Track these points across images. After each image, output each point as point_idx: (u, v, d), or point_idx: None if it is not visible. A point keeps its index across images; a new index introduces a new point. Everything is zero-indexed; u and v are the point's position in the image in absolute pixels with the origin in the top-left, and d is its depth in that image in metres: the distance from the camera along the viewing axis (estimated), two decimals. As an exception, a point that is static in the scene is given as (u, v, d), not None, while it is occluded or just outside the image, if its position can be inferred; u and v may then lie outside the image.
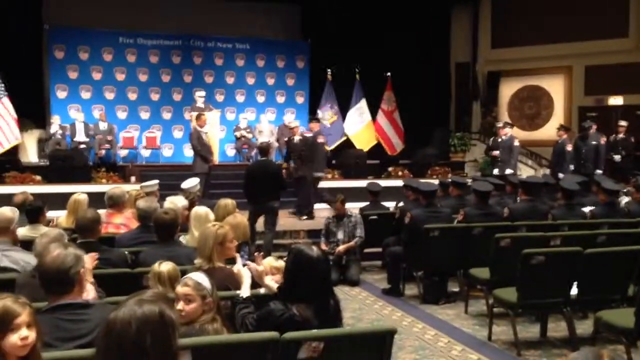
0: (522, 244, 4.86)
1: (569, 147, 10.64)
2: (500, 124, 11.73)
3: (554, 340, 4.90)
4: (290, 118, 11.51)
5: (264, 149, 7.98)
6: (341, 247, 7.01)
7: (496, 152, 10.87)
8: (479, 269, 5.50)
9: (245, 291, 3.02)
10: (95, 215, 4.13)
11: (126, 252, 4.25)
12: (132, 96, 13.26)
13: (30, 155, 12.37)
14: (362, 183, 9.16)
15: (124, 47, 13.13)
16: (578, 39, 13.59)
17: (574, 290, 4.66)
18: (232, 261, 3.59)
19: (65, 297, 2.50)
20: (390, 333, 2.81)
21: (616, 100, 13.82)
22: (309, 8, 14.16)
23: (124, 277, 3.78)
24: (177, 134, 13.49)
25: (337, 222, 7.18)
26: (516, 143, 10.45)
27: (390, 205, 8.28)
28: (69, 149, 11.41)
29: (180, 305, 2.66)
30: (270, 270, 3.35)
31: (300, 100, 14.44)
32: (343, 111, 12.68)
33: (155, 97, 13.44)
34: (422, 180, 8.20)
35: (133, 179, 10.72)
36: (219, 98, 13.76)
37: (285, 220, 9.27)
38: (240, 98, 14.03)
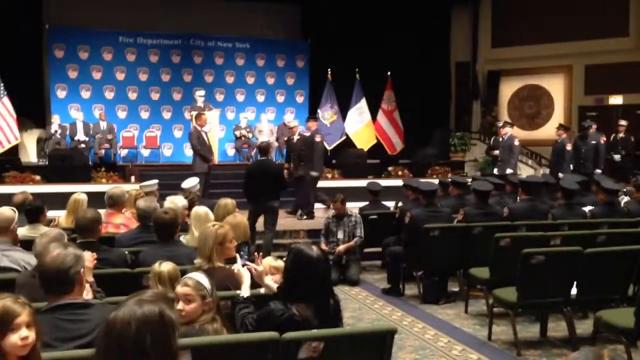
0: (522, 244, 4.85)
1: (569, 147, 10.64)
2: (500, 124, 11.73)
3: (554, 340, 4.90)
4: (290, 117, 11.52)
5: (264, 149, 7.98)
6: (341, 247, 7.01)
7: (497, 152, 10.87)
8: (478, 268, 5.50)
9: (245, 291, 3.02)
10: (95, 215, 4.13)
11: (126, 252, 4.24)
12: (132, 95, 13.26)
13: (30, 154, 12.37)
14: (362, 182, 9.15)
15: (123, 47, 13.13)
16: (578, 39, 13.59)
17: (574, 290, 4.66)
18: (232, 261, 3.59)
19: (65, 297, 2.50)
20: (391, 333, 2.81)
21: (616, 100, 13.83)
22: (309, 8, 14.16)
23: (124, 277, 3.78)
24: (177, 133, 13.50)
25: (337, 221, 7.18)
26: (516, 143, 10.45)
27: (390, 204, 8.28)
28: (69, 149, 11.41)
29: (180, 305, 2.65)
30: (270, 270, 3.35)
31: (300, 99, 14.44)
32: (343, 111, 12.67)
33: (155, 96, 13.44)
34: (422, 180, 8.20)
35: (133, 178, 10.72)
36: (219, 97, 13.76)
37: (285, 220, 9.27)
38: (240, 97, 14.03)
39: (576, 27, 13.58)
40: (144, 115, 13.36)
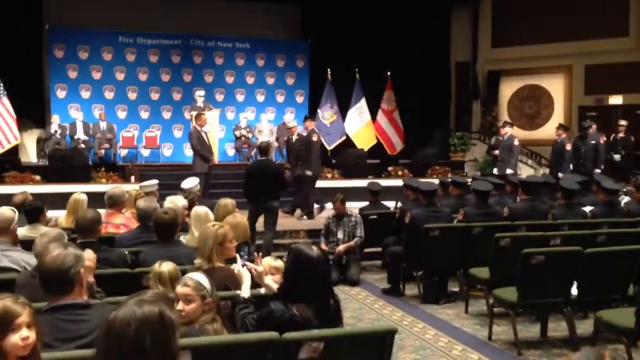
0: (522, 244, 4.85)
1: (568, 147, 10.63)
2: (501, 124, 11.74)
3: (554, 340, 4.90)
4: (290, 117, 11.53)
5: (264, 149, 7.98)
6: (341, 247, 7.01)
7: (497, 152, 10.88)
8: (479, 268, 5.50)
9: (245, 291, 3.02)
10: (95, 215, 4.13)
11: (126, 252, 4.24)
12: (132, 95, 13.26)
13: (30, 155, 12.37)
14: (362, 183, 9.16)
15: (123, 47, 13.14)
16: (578, 39, 13.59)
17: (574, 290, 4.66)
18: (233, 261, 3.58)
19: (65, 297, 2.49)
20: (391, 333, 2.81)
21: (616, 100, 13.83)
22: (309, 8, 14.16)
23: (124, 277, 3.78)
24: (177, 133, 13.50)
25: (337, 221, 7.18)
26: (516, 142, 10.45)
27: (390, 204, 8.28)
28: (69, 149, 11.41)
29: (180, 306, 2.65)
30: (270, 270, 3.34)
31: (300, 99, 14.44)
32: (343, 111, 12.67)
33: (155, 96, 13.44)
34: (422, 180, 8.19)
35: (133, 178, 10.71)
36: (219, 97, 13.76)
37: (285, 220, 9.27)
38: (240, 97, 14.03)
39: (576, 27, 13.58)
40: (144, 115, 13.36)
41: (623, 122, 11.78)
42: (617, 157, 11.54)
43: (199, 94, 12.02)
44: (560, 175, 9.63)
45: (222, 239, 3.53)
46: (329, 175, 11.62)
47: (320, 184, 10.45)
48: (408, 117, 13.20)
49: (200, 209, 4.78)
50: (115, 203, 5.46)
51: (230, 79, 13.96)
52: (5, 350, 1.98)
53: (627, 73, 13.26)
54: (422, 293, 6.15)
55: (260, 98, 14.18)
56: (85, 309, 2.50)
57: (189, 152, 10.98)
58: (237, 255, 3.77)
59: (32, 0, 12.43)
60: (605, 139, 11.32)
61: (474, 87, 15.35)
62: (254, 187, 7.45)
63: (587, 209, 6.53)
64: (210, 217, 4.65)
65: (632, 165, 11.27)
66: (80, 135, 11.76)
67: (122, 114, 13.16)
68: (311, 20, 14.20)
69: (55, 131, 11.58)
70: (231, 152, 13.43)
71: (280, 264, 3.39)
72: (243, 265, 3.21)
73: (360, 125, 12.83)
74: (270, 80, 14.25)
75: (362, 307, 6.00)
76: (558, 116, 14.44)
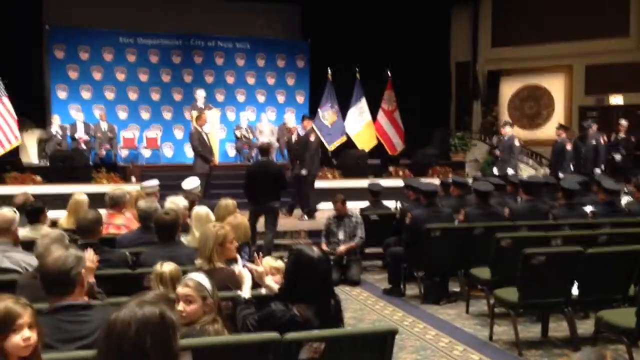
0: (523, 244, 4.85)
1: (569, 147, 10.63)
2: (501, 124, 11.74)
3: (555, 340, 4.90)
4: (290, 117, 11.52)
5: (265, 149, 7.98)
6: (342, 247, 7.01)
7: (498, 152, 10.88)
8: (479, 269, 5.50)
9: (246, 292, 3.02)
10: (96, 215, 4.14)
11: (127, 253, 4.24)
12: (133, 96, 13.26)
13: (31, 155, 12.37)
14: (362, 183, 9.15)
15: (124, 47, 13.14)
16: (578, 38, 13.58)
17: (575, 290, 4.66)
18: (233, 261, 3.58)
19: (66, 298, 2.50)
20: (392, 333, 2.81)
21: (616, 100, 13.82)
22: (309, 8, 14.16)
23: (125, 278, 3.78)
24: (178, 133, 13.50)
25: (337, 222, 7.18)
26: (516, 143, 10.45)
27: (391, 205, 8.27)
28: (70, 149, 11.41)
29: (180, 306, 2.65)
30: (270, 270, 3.35)
31: (300, 99, 14.45)
32: (343, 110, 12.67)
33: (155, 96, 13.44)
34: (423, 180, 8.20)
35: (133, 179, 10.71)
36: (219, 98, 13.76)
37: (286, 220, 9.27)
38: (240, 98, 14.03)
39: (576, 27, 13.58)
40: (145, 115, 13.36)
41: (623, 122, 11.77)
42: (617, 157, 11.53)
43: (200, 94, 12.02)
44: (560, 175, 9.63)
45: (223, 239, 3.53)
46: (330, 176, 11.62)
47: (321, 184, 10.44)
48: (408, 117, 13.19)
49: (201, 210, 4.78)
50: (116, 204, 5.46)
51: (230, 79, 13.97)
52: (7, 351, 1.99)
53: (627, 73, 13.25)
54: (423, 293, 6.15)
55: (261, 98, 14.19)
56: (86, 309, 2.50)
57: (189, 152, 10.98)
58: (238, 256, 3.77)
59: (32, 1, 12.43)
60: (605, 139, 11.32)
61: (474, 87, 15.34)
62: (255, 188, 7.46)
63: (588, 209, 6.53)
64: (211, 218, 4.66)
65: (633, 165, 11.27)
66: (81, 134, 11.75)
67: (122, 115, 13.17)
68: (311, 20, 14.21)
69: (56, 132, 11.58)
70: (232, 152, 13.43)
71: (280, 264, 3.39)
72: (244, 266, 3.22)
73: (360, 126, 12.82)
74: (270, 81, 14.25)
75: (362, 307, 6.00)
76: (558, 116, 14.43)
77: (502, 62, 14.96)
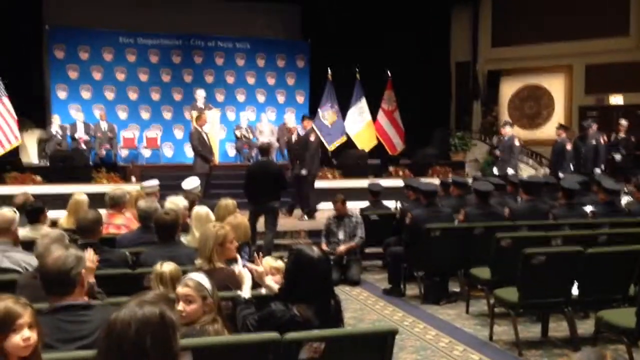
0: (523, 244, 4.85)
1: (569, 147, 10.63)
2: (501, 123, 11.74)
3: (555, 340, 4.90)
4: (290, 117, 11.52)
5: (265, 149, 7.98)
6: (342, 247, 7.01)
7: (498, 152, 10.88)
8: (479, 268, 5.50)
9: (246, 292, 3.02)
10: (96, 215, 4.14)
11: (127, 253, 4.24)
12: (133, 96, 13.27)
13: (31, 155, 12.37)
14: (363, 183, 9.15)
15: (124, 47, 13.15)
16: (578, 38, 13.58)
17: (575, 290, 4.66)
18: (233, 262, 3.58)
19: (66, 298, 2.50)
20: (392, 333, 2.81)
21: (617, 100, 13.82)
22: (309, 8, 14.16)
23: (125, 278, 3.78)
24: (178, 133, 13.50)
25: (337, 222, 7.18)
26: (516, 143, 10.45)
27: (391, 205, 8.27)
28: (70, 149, 11.41)
29: (180, 306, 2.65)
30: (270, 270, 3.35)
31: (300, 99, 14.45)
32: (343, 110, 12.67)
33: (155, 96, 13.45)
34: (423, 180, 8.20)
35: (134, 179, 10.71)
36: (219, 98, 13.76)
37: (286, 220, 9.27)
38: (240, 97, 14.03)
39: (576, 26, 13.58)
40: (145, 115, 13.36)
41: (624, 122, 11.77)
42: (617, 157, 11.53)
43: (200, 94, 12.02)
44: (560, 175, 9.63)
45: (223, 239, 3.53)
46: (330, 176, 11.62)
47: (321, 184, 10.44)
48: (408, 117, 13.19)
49: (201, 210, 4.78)
50: (116, 204, 5.47)
51: (230, 79, 13.97)
52: (7, 351, 1.99)
53: (627, 73, 13.25)
54: (423, 293, 6.15)
55: (261, 98, 14.19)
56: (86, 309, 2.50)
57: (189, 152, 10.98)
58: (238, 256, 3.77)
59: (32, 1, 12.43)
60: (605, 139, 11.32)
61: (474, 87, 15.34)
62: (255, 188, 7.46)
63: (588, 209, 6.53)
64: (211, 218, 4.65)
65: (633, 165, 11.27)
66: (81, 134, 11.75)
67: (122, 115, 13.17)
68: (311, 20, 14.21)
69: (56, 132, 11.58)
70: (232, 152, 13.43)
71: (280, 264, 3.39)
72: (244, 266, 3.22)
73: (360, 126, 12.82)
74: (270, 81, 14.26)
75: (363, 307, 6.00)
76: (558, 116, 14.43)
77: (502, 62, 14.96)
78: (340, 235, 7.11)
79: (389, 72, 12.96)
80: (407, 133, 13.26)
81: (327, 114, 12.53)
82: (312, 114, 12.45)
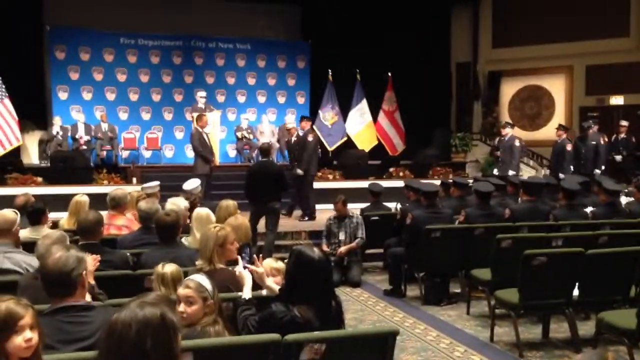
0: (523, 245, 4.84)
1: (569, 147, 10.63)
2: (502, 124, 11.74)
3: (556, 341, 4.89)
4: (291, 118, 11.52)
5: (265, 150, 7.98)
6: (342, 248, 7.01)
7: (499, 152, 10.88)
8: (480, 269, 5.49)
9: (246, 293, 3.02)
10: (97, 216, 4.13)
11: (128, 254, 4.25)
12: (133, 97, 13.27)
13: (32, 156, 12.39)
14: (363, 184, 9.15)
15: (124, 48, 13.16)
16: (579, 39, 13.59)
17: (576, 291, 4.66)
18: (234, 263, 3.58)
19: (67, 299, 2.50)
20: (392, 334, 2.81)
21: (617, 100, 13.82)
22: (309, 8, 14.17)
23: (126, 279, 3.78)
24: (179, 134, 13.50)
25: (338, 223, 7.18)
26: (517, 143, 10.45)
27: (391, 205, 8.27)
28: (70, 150, 11.42)
29: (181, 307, 2.65)
30: (271, 271, 3.35)
31: (301, 100, 14.45)
32: (344, 111, 12.68)
33: (156, 97, 13.46)
34: (424, 181, 8.20)
35: (134, 180, 10.72)
36: (220, 98, 13.77)
37: (287, 221, 9.27)
38: (241, 98, 14.04)
39: (577, 27, 13.58)
40: (145, 116, 13.37)
41: (624, 123, 11.77)
42: (618, 157, 11.54)
43: (200, 95, 12.04)
44: (561, 176, 9.62)
45: (224, 240, 3.53)
46: (330, 177, 11.62)
47: (321, 185, 10.44)
48: (409, 118, 13.20)
49: (201, 211, 4.78)
50: (117, 205, 5.47)
51: (231, 80, 13.97)
52: (8, 352, 1.99)
53: (628, 73, 13.25)
54: (424, 294, 6.14)
55: (261, 99, 14.19)
56: (87, 311, 2.51)
57: (190, 153, 10.99)
58: (239, 257, 3.77)
59: (33, 1, 12.44)
60: (606, 139, 11.31)
61: (475, 88, 15.34)
62: (256, 189, 7.46)
63: (589, 209, 6.52)
64: (212, 219, 4.65)
65: (633, 165, 11.27)
66: (82, 135, 11.76)
67: (123, 116, 13.18)
68: (311, 21, 14.21)
69: (57, 133, 11.59)
70: (232, 153, 13.44)
71: (281, 265, 3.39)
72: (244, 267, 3.22)
73: (361, 126, 12.83)
74: (271, 81, 14.26)
75: (363, 308, 6.00)
76: (559, 117, 14.43)
77: (503, 63, 14.97)
78: (341, 236, 7.11)
79: (389, 73, 12.96)
80: (408, 134, 13.26)
81: (328, 114, 12.54)
82: (313, 114, 12.46)
